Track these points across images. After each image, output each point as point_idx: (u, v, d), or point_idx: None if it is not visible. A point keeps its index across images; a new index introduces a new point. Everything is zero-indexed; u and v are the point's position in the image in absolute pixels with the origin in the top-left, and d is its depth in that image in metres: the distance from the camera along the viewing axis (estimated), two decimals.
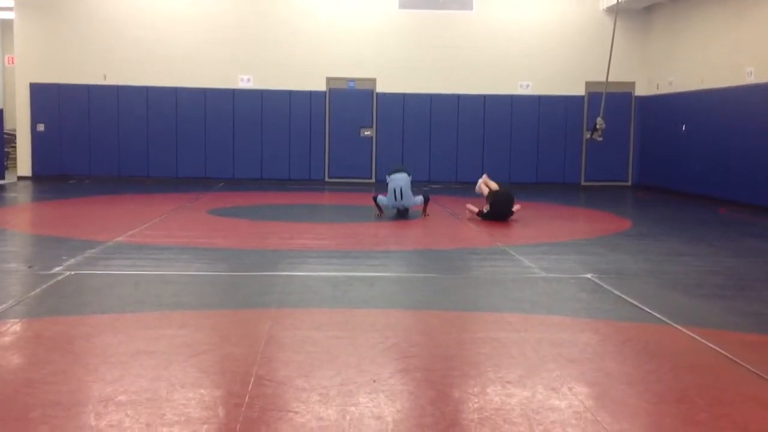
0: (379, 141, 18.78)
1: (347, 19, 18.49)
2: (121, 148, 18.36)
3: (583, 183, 19.14)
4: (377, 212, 11.86)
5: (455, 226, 11.35)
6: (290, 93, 18.53)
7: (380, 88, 18.67)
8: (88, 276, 7.00)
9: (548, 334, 5.33)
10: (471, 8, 18.57)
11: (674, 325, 5.59)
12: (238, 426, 3.59)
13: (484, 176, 12.50)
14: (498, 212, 11.44)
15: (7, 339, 5.07)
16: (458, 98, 18.66)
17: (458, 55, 18.62)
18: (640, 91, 18.97)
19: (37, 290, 6.40)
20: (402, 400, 4.00)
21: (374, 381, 4.23)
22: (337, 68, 18.56)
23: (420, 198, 11.76)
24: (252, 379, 4.22)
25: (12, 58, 20.21)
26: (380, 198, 11.83)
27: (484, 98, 18.66)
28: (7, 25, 21.18)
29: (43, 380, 4.17)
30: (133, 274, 7.19)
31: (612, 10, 17.46)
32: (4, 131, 18.01)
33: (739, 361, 4.72)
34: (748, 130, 14.20)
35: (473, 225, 11.10)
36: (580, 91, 18.87)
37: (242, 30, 18.37)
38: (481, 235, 10.22)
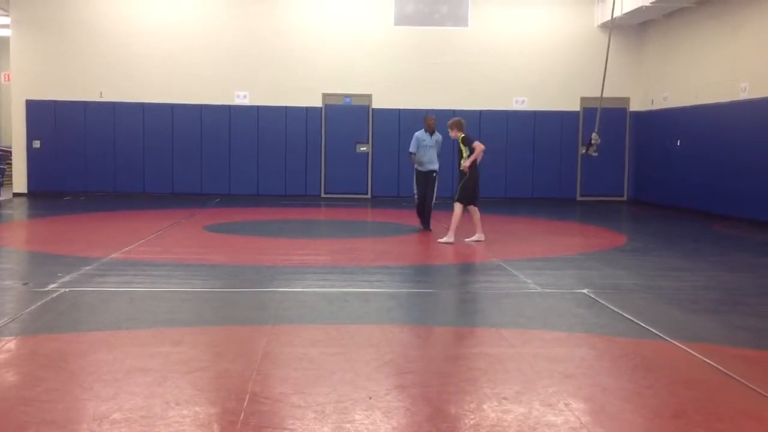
0: (375, 156, 18.82)
1: (343, 36, 18.57)
2: (117, 164, 18.37)
3: (578, 198, 19.19)
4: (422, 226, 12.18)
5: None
6: (286, 109, 18.57)
7: (376, 104, 18.73)
8: (83, 293, 6.98)
9: (544, 350, 5.32)
10: (466, 24, 18.64)
11: (670, 340, 5.59)
12: None
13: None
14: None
15: (1, 356, 5.04)
16: (454, 114, 18.67)
17: (454, 71, 18.71)
18: (635, 106, 19.06)
19: (32, 307, 6.38)
20: (398, 416, 3.99)
21: (370, 398, 4.22)
22: (333, 84, 18.62)
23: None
24: (247, 396, 4.21)
25: (8, 75, 20.25)
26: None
27: (480, 114, 18.72)
28: (3, 42, 21.26)
29: (38, 398, 4.15)
30: (128, 290, 7.18)
31: (606, 27, 17.57)
32: (0, 148, 17.99)
33: (735, 376, 4.72)
34: (743, 146, 14.25)
35: (470, 239, 11.08)
36: (575, 106, 18.95)
37: (238, 46, 18.43)
38: (477, 251, 10.22)
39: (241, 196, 18.42)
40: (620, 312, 6.48)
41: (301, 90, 18.52)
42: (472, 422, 3.92)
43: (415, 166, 12.19)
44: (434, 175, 12.02)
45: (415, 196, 12.35)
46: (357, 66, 18.62)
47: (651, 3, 16.09)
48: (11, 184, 18.83)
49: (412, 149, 12.14)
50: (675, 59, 17.29)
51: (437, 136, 12.11)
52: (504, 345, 5.47)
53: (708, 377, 4.76)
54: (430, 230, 12.01)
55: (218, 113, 18.47)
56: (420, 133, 12.13)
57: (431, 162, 12.03)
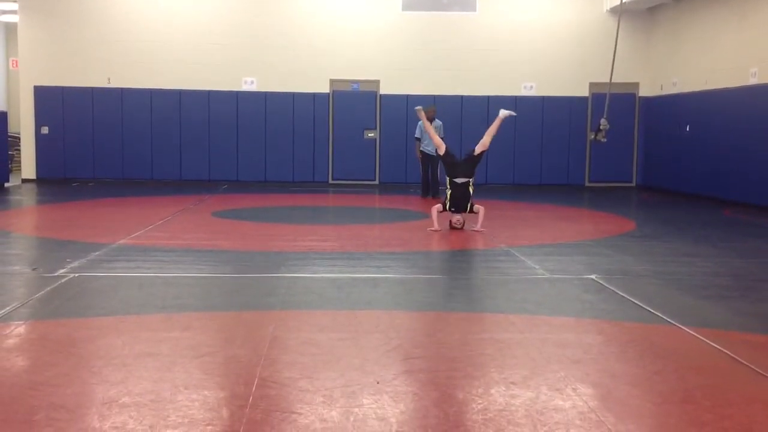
0: (382, 143, 18.79)
1: (351, 21, 18.50)
2: (124, 150, 18.39)
3: (587, 184, 19.12)
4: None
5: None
6: (294, 95, 18.54)
7: (384, 90, 18.67)
8: (91, 278, 7.00)
9: (552, 335, 5.32)
10: (474, 10, 18.57)
11: (679, 325, 5.57)
12: (242, 428, 3.59)
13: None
14: (455, 203, 10.58)
15: (11, 341, 5.07)
16: (462, 99, 18.65)
17: (462, 57, 18.62)
18: (644, 92, 18.95)
19: (41, 292, 6.41)
20: (406, 401, 3.99)
21: (378, 382, 4.23)
22: (341, 70, 18.57)
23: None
24: (255, 380, 4.22)
25: (16, 61, 20.26)
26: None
27: (488, 99, 18.64)
28: (11, 28, 21.26)
29: (47, 382, 4.17)
30: (136, 276, 7.20)
31: (615, 11, 17.45)
32: (9, 134, 18.05)
33: (744, 361, 4.70)
34: (752, 131, 14.16)
35: (473, 225, 11.06)
36: (583, 92, 18.85)
37: (246, 32, 18.39)
38: (484, 237, 10.20)
39: (248, 182, 18.43)
40: (629, 297, 6.47)
41: (309, 76, 18.47)
42: (479, 407, 3.93)
43: (421, 147, 15.17)
44: (437, 155, 13.97)
45: (421, 171, 15.53)
46: (365, 52, 18.56)
47: None
48: (20, 170, 18.88)
49: (417, 135, 15.36)
50: (684, 44, 17.17)
51: (437, 122, 14.72)
52: (512, 330, 5.46)
53: (717, 363, 4.75)
54: (427, 198, 14.78)
55: (226, 99, 18.45)
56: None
57: (431, 145, 14.16)
